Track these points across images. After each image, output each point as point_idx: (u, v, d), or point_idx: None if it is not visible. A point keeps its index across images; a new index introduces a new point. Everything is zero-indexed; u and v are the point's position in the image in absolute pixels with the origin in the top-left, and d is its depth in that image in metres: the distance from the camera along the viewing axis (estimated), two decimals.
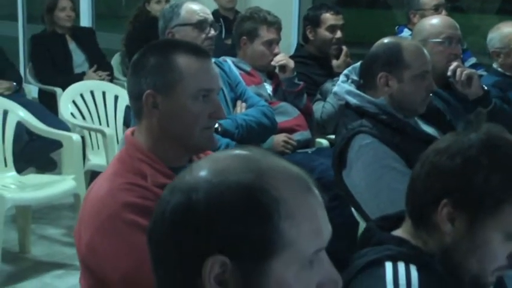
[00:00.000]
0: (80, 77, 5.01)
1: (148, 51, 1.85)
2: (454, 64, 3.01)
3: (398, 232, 1.56)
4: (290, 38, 5.59)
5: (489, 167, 1.43)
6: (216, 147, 1.89)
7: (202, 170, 1.04)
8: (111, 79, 5.19)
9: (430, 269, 1.45)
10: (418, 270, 1.43)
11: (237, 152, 1.08)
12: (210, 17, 3.32)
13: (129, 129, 1.88)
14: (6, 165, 3.84)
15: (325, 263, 1.03)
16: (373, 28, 6.77)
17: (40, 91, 5.24)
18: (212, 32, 3.26)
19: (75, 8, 5.36)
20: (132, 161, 1.79)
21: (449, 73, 3.01)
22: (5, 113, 3.88)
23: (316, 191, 1.04)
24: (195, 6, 3.31)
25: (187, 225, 1.00)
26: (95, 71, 5.13)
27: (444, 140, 1.54)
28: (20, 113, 3.90)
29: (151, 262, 1.07)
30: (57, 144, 4.65)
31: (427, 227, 1.49)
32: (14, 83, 4.84)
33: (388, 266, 1.45)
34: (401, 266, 1.44)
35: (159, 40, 2.42)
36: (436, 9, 4.31)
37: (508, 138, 1.51)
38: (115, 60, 5.54)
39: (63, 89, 4.90)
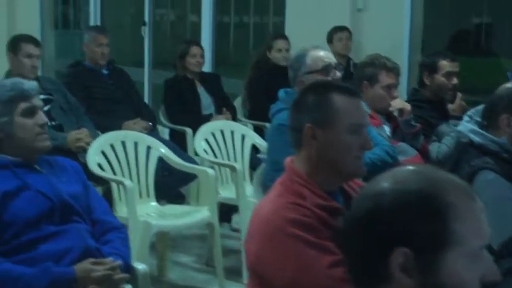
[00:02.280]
0: (208, 118, 5.37)
1: (307, 91, 2.15)
2: None
3: None
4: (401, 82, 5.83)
5: None
6: (365, 174, 2.14)
7: (385, 181, 1.30)
8: (234, 120, 5.54)
9: None
10: None
11: (413, 167, 1.34)
12: (334, 61, 3.58)
13: (289, 158, 2.17)
14: (148, 196, 4.20)
15: (487, 258, 1.27)
16: (480, 75, 6.92)
17: (171, 131, 5.63)
18: (337, 74, 3.53)
19: (204, 55, 5.75)
20: (292, 184, 2.07)
21: None
22: (148, 148, 4.26)
23: (478, 199, 1.28)
24: (318, 53, 3.58)
25: (376, 224, 1.26)
26: (220, 113, 5.49)
27: None
28: (161, 149, 4.27)
29: (344, 255, 1.34)
30: (187, 179, 5.02)
31: None
32: (150, 123, 5.23)
33: None
34: None
35: (315, 82, 2.68)
36: None
37: None
38: (237, 103, 5.90)
39: (193, 129, 5.30)
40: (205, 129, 4.66)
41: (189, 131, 5.33)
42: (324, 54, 3.53)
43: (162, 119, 5.63)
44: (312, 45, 3.61)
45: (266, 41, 6.01)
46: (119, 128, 4.92)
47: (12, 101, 2.59)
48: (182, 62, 5.64)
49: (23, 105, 2.60)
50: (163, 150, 4.28)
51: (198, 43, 5.89)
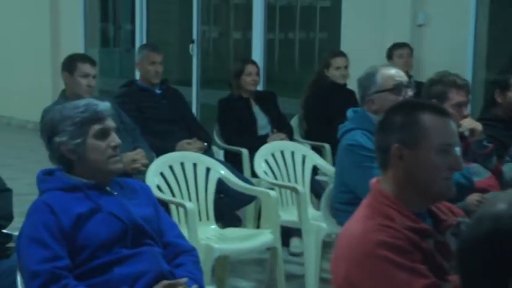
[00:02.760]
0: (264, 139, 5.43)
1: (394, 110, 2.18)
2: None
3: None
4: None
5: None
6: (454, 195, 2.17)
7: (501, 203, 1.34)
8: (291, 140, 5.59)
9: None
10: None
11: None
12: (405, 79, 3.61)
13: (375, 179, 2.20)
14: (208, 219, 4.26)
15: None
16: None
17: (226, 152, 5.70)
18: (409, 93, 3.56)
19: (259, 73, 5.82)
20: (379, 206, 2.10)
21: None
22: (207, 170, 4.32)
23: None
24: (390, 71, 3.62)
25: (496, 245, 1.29)
26: (276, 133, 5.55)
27: None
28: (221, 171, 4.33)
29: (461, 276, 1.38)
30: (244, 202, 5.08)
31: None
32: (205, 143, 5.31)
33: None
34: None
35: (401, 101, 2.69)
36: None
37: None
38: (293, 123, 5.96)
39: (249, 150, 5.37)
40: (264, 150, 4.71)
41: (245, 152, 5.39)
42: (395, 73, 3.56)
43: (217, 139, 5.70)
44: (382, 63, 3.65)
45: (323, 59, 6.06)
46: (173, 148, 5.02)
47: (86, 123, 2.66)
48: (237, 81, 5.71)
49: (96, 127, 2.67)
50: (223, 171, 4.34)
51: (253, 61, 5.97)
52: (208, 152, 5.37)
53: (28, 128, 10.48)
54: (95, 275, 2.54)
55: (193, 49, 8.52)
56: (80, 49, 9.81)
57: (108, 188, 2.71)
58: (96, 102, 2.71)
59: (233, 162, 5.42)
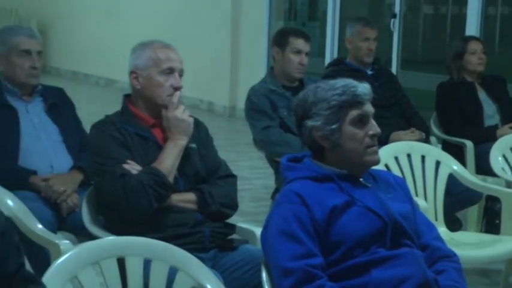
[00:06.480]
0: (492, 130, 5.27)
1: None
2: None
3: None
4: None
5: None
6: None
7: None
8: None
9: None
10: None
11: None
12: None
13: None
14: (436, 219, 4.18)
15: None
16: None
17: (444, 143, 5.59)
18: None
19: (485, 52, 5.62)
20: None
21: None
22: (437, 163, 4.24)
23: None
24: None
25: None
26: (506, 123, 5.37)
27: None
28: (453, 166, 4.23)
29: None
30: (469, 202, 4.96)
31: None
32: (423, 134, 5.21)
33: None
34: None
35: None
36: None
37: None
38: None
39: (473, 141, 5.23)
40: (502, 143, 4.57)
41: (469, 144, 5.26)
42: None
43: (435, 129, 5.60)
44: None
45: None
46: (386, 137, 4.96)
47: (343, 107, 2.64)
48: (459, 63, 5.57)
49: (354, 113, 2.65)
50: (456, 166, 4.25)
51: (476, 38, 5.80)
52: (425, 143, 5.29)
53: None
54: (350, 276, 2.53)
55: (395, 25, 8.41)
56: (263, 23, 9.99)
57: (361, 180, 2.70)
58: (355, 84, 2.69)
59: (453, 155, 5.30)
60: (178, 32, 10.04)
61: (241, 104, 9.16)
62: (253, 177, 6.95)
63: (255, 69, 9.72)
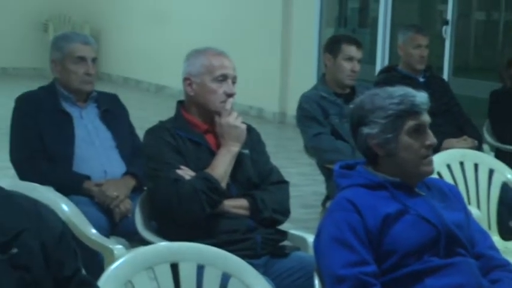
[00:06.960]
0: None
1: None
2: None
3: None
4: None
5: None
6: None
7: None
8: None
9: None
10: None
11: None
12: None
13: None
14: (489, 228, 4.13)
15: None
16: None
17: (497, 151, 5.53)
18: None
19: None
20: None
21: None
22: (491, 172, 4.20)
23: None
24: None
25: None
26: None
27: None
28: (507, 175, 4.19)
29: None
30: None
31: None
32: (476, 141, 5.17)
33: None
34: None
35: None
36: None
37: None
38: None
39: None
40: None
41: None
42: None
43: (487, 136, 5.55)
44: None
45: None
46: (438, 145, 4.93)
47: (400, 117, 2.63)
48: (511, 71, 5.53)
49: (411, 123, 2.64)
50: (510, 175, 4.20)
51: None
52: (478, 151, 5.24)
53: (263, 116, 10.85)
54: (403, 285, 2.52)
55: (447, 31, 8.35)
56: (313, 30, 9.98)
57: (416, 189, 2.68)
58: (414, 93, 2.66)
59: (506, 164, 5.24)
60: (229, 39, 10.07)
61: (291, 110, 9.20)
62: (302, 184, 6.94)
63: (305, 76, 9.72)
